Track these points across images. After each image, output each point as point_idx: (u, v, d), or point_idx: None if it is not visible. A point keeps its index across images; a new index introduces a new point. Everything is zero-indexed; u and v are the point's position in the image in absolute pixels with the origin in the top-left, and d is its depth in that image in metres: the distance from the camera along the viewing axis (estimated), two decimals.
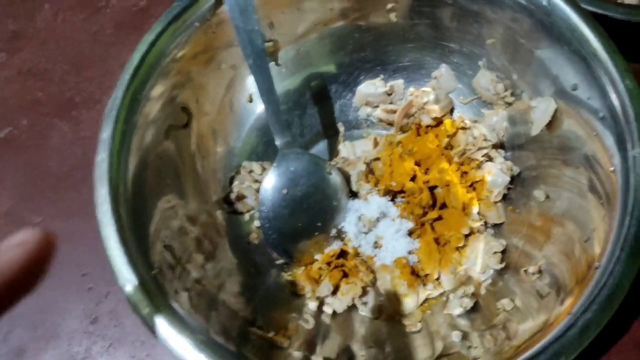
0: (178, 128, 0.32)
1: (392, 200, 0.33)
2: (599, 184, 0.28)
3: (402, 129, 0.36)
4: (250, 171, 0.34)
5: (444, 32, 0.35)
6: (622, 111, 0.27)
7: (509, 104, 0.34)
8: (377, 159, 0.34)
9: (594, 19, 0.29)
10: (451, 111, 0.36)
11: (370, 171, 0.34)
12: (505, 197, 0.33)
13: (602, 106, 0.28)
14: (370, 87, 0.38)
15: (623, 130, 0.27)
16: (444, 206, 0.33)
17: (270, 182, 0.31)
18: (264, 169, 0.34)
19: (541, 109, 0.31)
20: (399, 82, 0.38)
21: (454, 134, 0.34)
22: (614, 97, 0.27)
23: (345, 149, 0.37)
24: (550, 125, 0.31)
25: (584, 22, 0.29)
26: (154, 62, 0.30)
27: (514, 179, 0.33)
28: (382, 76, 0.38)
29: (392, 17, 0.35)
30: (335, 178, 0.32)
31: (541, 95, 0.32)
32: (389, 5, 0.34)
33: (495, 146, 0.34)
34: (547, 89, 0.31)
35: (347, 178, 0.34)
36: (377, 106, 0.38)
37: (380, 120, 0.37)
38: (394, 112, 0.37)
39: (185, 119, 0.33)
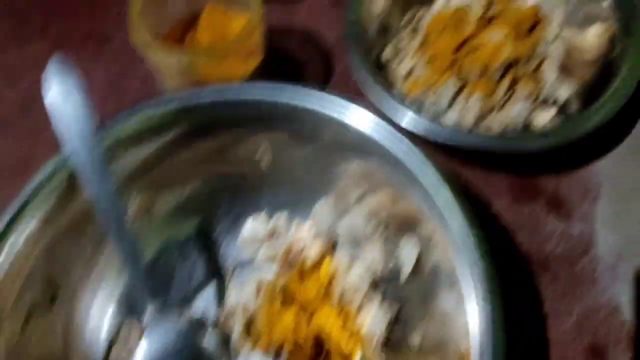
0: (42, 308, 0.31)
1: (277, 357, 0.33)
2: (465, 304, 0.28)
3: (288, 268, 0.36)
4: (125, 343, 0.32)
5: (313, 171, 0.35)
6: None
7: (383, 240, 0.34)
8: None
9: (441, 171, 0.29)
10: (334, 246, 0.36)
11: (250, 326, 0.33)
12: (388, 340, 0.32)
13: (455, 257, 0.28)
14: (253, 226, 0.37)
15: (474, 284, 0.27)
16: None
17: (140, 356, 0.30)
18: (140, 334, 0.33)
19: (406, 252, 0.32)
20: (282, 217, 0.37)
21: (333, 277, 0.34)
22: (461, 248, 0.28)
23: (232, 293, 0.36)
24: (417, 265, 0.32)
25: (432, 174, 0.29)
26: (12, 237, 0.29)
27: (396, 318, 0.33)
28: (265, 211, 0.37)
29: (261, 165, 0.35)
30: (212, 343, 0.31)
31: (407, 236, 0.32)
32: (256, 156, 0.35)
33: (373, 285, 0.33)
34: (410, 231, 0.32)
35: (228, 337, 0.33)
36: (263, 244, 0.37)
37: (267, 260, 0.37)
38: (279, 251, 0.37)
39: (49, 297, 0.31)
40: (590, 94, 0.39)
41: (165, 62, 0.38)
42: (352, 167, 0.33)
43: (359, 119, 0.31)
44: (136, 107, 0.32)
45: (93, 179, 0.29)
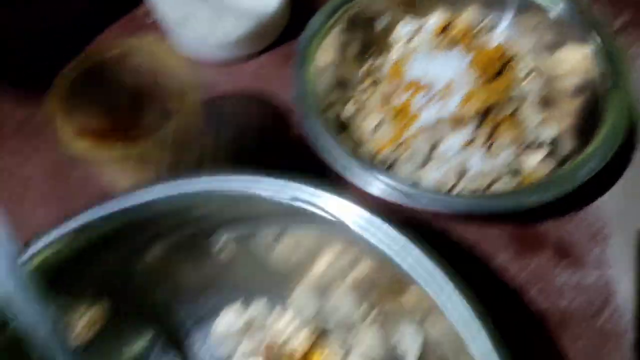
0: None
1: None
2: None
3: None
4: None
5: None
6: None
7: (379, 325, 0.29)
8: None
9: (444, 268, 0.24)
10: (323, 335, 0.31)
11: None
12: None
13: None
14: (227, 319, 0.32)
15: None
16: None
17: None
18: None
19: (408, 339, 0.27)
20: (260, 305, 0.33)
21: None
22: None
23: None
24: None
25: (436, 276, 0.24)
26: None
27: None
28: (241, 300, 0.33)
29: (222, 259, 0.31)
30: None
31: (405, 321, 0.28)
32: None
33: None
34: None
35: None
36: (242, 338, 0.32)
37: (247, 356, 0.32)
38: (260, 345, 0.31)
39: None
40: (581, 127, 0.35)
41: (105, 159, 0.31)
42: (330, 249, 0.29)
43: (335, 210, 0.25)
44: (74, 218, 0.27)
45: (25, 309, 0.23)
